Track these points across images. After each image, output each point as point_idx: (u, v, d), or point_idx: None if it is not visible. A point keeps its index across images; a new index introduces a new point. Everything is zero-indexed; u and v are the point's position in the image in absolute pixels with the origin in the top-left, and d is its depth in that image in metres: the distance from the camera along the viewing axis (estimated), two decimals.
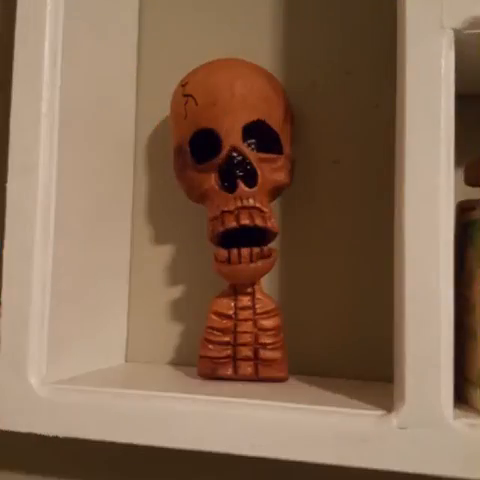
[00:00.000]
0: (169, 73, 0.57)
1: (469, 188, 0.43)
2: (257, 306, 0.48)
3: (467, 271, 0.40)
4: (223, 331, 0.47)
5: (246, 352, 0.47)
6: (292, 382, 0.48)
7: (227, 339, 0.47)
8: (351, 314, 0.52)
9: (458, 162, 0.40)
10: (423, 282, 0.37)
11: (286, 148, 0.49)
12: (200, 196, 0.49)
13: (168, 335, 0.56)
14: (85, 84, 0.50)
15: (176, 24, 0.59)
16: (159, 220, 0.58)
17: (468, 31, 0.37)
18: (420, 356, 0.36)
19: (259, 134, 0.48)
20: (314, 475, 0.50)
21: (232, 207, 0.47)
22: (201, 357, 0.48)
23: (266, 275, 0.49)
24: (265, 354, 0.47)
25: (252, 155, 0.47)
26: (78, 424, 0.43)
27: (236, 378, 0.47)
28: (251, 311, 0.48)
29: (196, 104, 0.48)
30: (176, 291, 0.57)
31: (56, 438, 0.44)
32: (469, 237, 0.41)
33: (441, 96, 0.37)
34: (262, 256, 0.47)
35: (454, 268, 0.37)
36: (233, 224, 0.47)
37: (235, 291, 0.48)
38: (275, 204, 0.51)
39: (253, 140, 0.48)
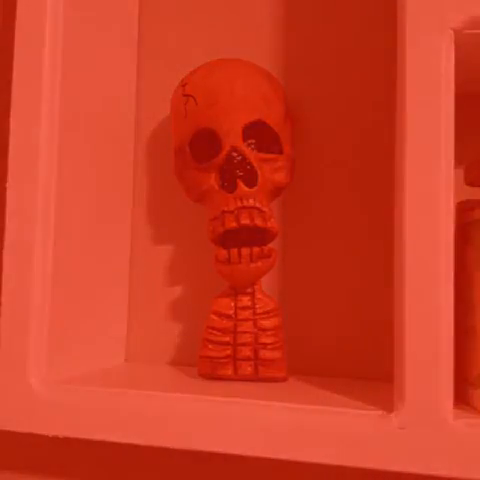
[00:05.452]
0: (169, 73, 0.57)
1: (469, 188, 0.43)
2: (257, 306, 0.48)
3: (467, 271, 0.41)
4: (223, 331, 0.47)
5: (246, 352, 0.47)
6: (292, 382, 0.48)
7: (227, 339, 0.47)
8: (351, 314, 0.52)
9: (458, 162, 0.40)
10: (423, 282, 0.37)
11: (286, 148, 0.49)
12: (200, 196, 0.49)
13: (168, 335, 0.56)
14: (85, 84, 0.50)
15: (176, 24, 0.59)
16: (159, 220, 0.58)
17: (468, 31, 0.37)
18: (420, 356, 0.36)
19: (259, 134, 0.48)
20: (314, 475, 0.50)
21: (232, 207, 0.47)
22: (201, 357, 0.48)
23: (266, 275, 0.49)
24: (265, 354, 0.47)
25: (252, 155, 0.47)
26: (78, 424, 0.43)
27: (236, 378, 0.47)
28: (251, 311, 0.48)
29: (196, 104, 0.48)
30: (176, 291, 0.57)
31: (56, 438, 0.44)
32: (469, 237, 0.41)
33: (441, 96, 0.37)
34: (262, 256, 0.47)
35: (454, 268, 0.37)
36: (233, 224, 0.47)
37: (235, 291, 0.48)
38: (275, 204, 0.51)
39: (253, 140, 0.48)
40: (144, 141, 0.59)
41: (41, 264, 0.45)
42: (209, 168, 0.48)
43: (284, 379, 0.47)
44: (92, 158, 0.51)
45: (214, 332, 0.47)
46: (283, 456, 0.39)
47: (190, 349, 0.55)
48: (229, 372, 0.47)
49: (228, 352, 0.47)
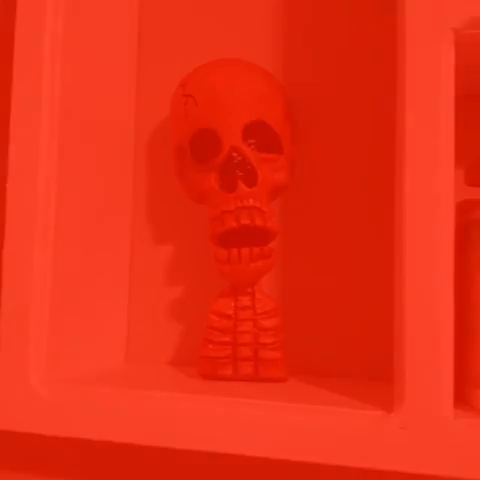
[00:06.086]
0: (169, 73, 0.57)
1: (469, 188, 0.43)
2: (257, 306, 0.48)
3: (467, 271, 0.41)
4: (223, 331, 0.47)
5: (246, 352, 0.47)
6: (292, 382, 0.48)
7: (227, 339, 0.47)
8: (351, 314, 0.52)
9: (458, 162, 0.40)
10: (423, 282, 0.37)
11: (286, 148, 0.49)
12: (200, 196, 0.49)
13: (168, 335, 0.56)
14: (85, 84, 0.50)
15: (176, 24, 0.59)
16: (159, 220, 0.58)
17: (468, 31, 0.37)
18: (420, 356, 0.36)
19: (259, 134, 0.48)
20: (314, 475, 0.50)
21: (232, 207, 0.47)
22: (201, 357, 0.48)
23: (266, 275, 0.49)
24: (265, 354, 0.47)
25: (252, 155, 0.47)
26: (78, 424, 0.43)
27: (236, 378, 0.47)
28: (251, 311, 0.48)
29: (196, 104, 0.48)
30: (176, 291, 0.57)
31: (56, 438, 0.44)
32: (469, 237, 0.41)
33: (441, 96, 0.37)
34: (262, 256, 0.47)
35: (454, 268, 0.37)
36: (233, 224, 0.47)
37: (235, 291, 0.48)
38: (275, 204, 0.51)
39: (253, 140, 0.48)
40: (144, 141, 0.59)
41: (41, 264, 0.45)
42: (209, 168, 0.48)
43: (284, 379, 0.47)
44: (92, 158, 0.51)
45: (214, 332, 0.47)
46: (283, 456, 0.39)
47: (190, 349, 0.55)
48: (229, 372, 0.47)
49: (228, 352, 0.47)
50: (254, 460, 0.52)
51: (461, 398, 0.40)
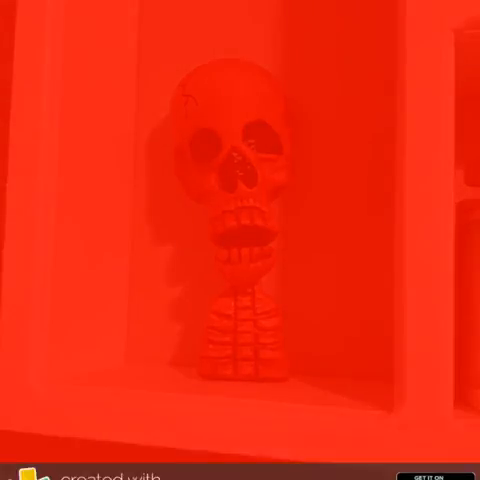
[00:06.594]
0: (169, 73, 0.57)
1: (469, 188, 0.43)
2: (257, 306, 0.48)
3: (467, 271, 0.41)
4: (223, 331, 0.47)
5: (246, 352, 0.47)
6: (292, 382, 0.48)
7: (227, 339, 0.47)
8: (351, 314, 0.52)
9: (458, 162, 0.40)
10: (423, 282, 0.37)
11: (286, 148, 0.49)
12: (200, 196, 0.49)
13: (168, 335, 0.56)
14: (85, 84, 0.50)
15: (176, 24, 0.59)
16: (159, 220, 0.58)
17: (468, 31, 0.37)
18: (420, 356, 0.36)
19: (259, 134, 0.48)
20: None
21: (232, 207, 0.47)
22: (201, 357, 0.48)
23: (266, 275, 0.49)
24: (265, 354, 0.47)
25: (252, 155, 0.47)
26: (78, 424, 0.43)
27: (236, 378, 0.47)
28: (251, 311, 0.48)
29: (196, 104, 0.48)
30: (176, 291, 0.57)
31: (56, 438, 0.44)
32: (469, 237, 0.41)
33: (441, 96, 0.37)
34: (262, 256, 0.47)
35: (454, 268, 0.37)
36: (233, 224, 0.47)
37: (235, 291, 0.48)
38: (275, 204, 0.51)
39: (253, 140, 0.48)
40: (144, 141, 0.59)
41: (41, 264, 0.45)
42: (209, 168, 0.48)
43: (284, 379, 0.47)
44: (92, 158, 0.51)
45: (214, 332, 0.47)
46: (283, 456, 0.39)
47: (190, 349, 0.55)
48: (229, 372, 0.47)
49: (228, 352, 0.47)
50: (254, 460, 0.52)
51: (461, 398, 0.40)
